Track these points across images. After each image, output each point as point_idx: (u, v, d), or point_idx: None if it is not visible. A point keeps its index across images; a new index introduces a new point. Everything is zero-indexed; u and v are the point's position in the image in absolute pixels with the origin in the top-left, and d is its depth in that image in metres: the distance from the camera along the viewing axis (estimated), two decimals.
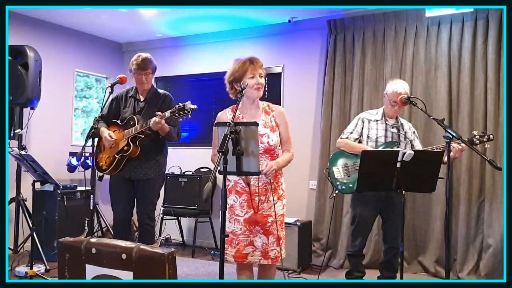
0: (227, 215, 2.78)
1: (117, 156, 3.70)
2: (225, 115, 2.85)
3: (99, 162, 3.83)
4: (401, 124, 3.88)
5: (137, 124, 3.64)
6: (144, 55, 3.83)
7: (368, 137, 3.80)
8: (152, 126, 3.49)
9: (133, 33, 6.20)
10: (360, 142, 3.83)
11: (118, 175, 3.78)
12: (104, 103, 3.69)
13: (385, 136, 3.79)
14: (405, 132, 3.85)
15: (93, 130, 3.44)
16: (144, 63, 3.75)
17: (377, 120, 3.83)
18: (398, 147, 3.72)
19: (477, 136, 3.62)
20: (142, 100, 3.83)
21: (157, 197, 3.91)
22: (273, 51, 5.72)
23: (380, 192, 3.61)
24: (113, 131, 3.78)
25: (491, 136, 3.64)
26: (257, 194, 2.73)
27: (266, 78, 2.92)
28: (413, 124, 4.16)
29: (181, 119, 3.51)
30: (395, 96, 3.72)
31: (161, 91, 3.89)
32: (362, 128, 3.84)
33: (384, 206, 3.77)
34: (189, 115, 3.44)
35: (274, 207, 2.74)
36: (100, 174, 3.91)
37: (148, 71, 3.76)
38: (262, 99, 2.90)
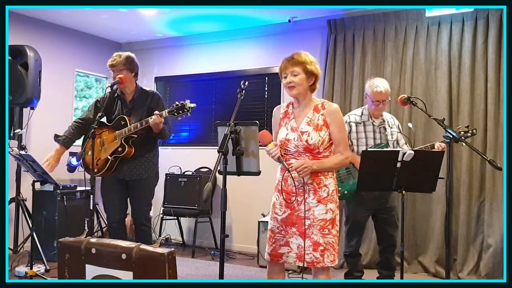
0: (269, 212, 2.77)
1: (110, 158, 3.65)
2: (278, 111, 2.83)
3: (88, 165, 3.71)
4: (387, 121, 3.85)
5: (130, 124, 3.60)
6: (118, 52, 3.78)
7: (357, 140, 3.78)
8: (152, 125, 3.47)
9: (133, 33, 6.20)
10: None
11: (111, 176, 3.73)
12: (103, 103, 3.69)
13: (374, 138, 3.76)
14: (391, 128, 3.83)
15: (92, 130, 3.43)
16: (113, 58, 3.70)
17: (364, 122, 3.80)
18: (387, 148, 3.71)
19: (462, 132, 3.61)
20: (129, 100, 3.76)
21: (152, 197, 3.86)
22: (273, 51, 5.72)
23: (373, 192, 3.61)
24: (102, 132, 3.73)
25: (474, 131, 3.67)
26: (294, 194, 2.65)
27: (284, 75, 2.72)
28: (413, 124, 4.15)
29: (179, 118, 3.49)
30: (377, 96, 3.70)
31: (148, 89, 3.84)
32: (350, 133, 3.78)
33: (378, 205, 3.77)
34: (189, 114, 3.42)
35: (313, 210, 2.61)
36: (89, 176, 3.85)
37: (117, 67, 3.67)
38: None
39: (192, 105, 3.41)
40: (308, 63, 2.72)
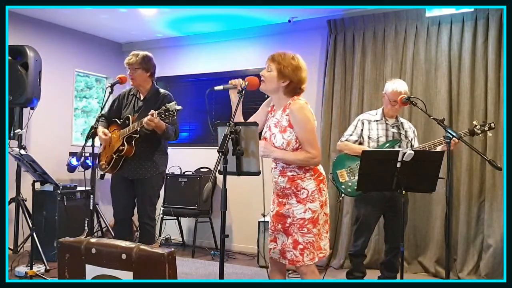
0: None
1: (114, 156, 3.70)
2: (268, 103, 2.84)
3: (101, 161, 3.85)
4: (401, 123, 3.89)
5: (131, 124, 3.63)
6: (136, 51, 3.81)
7: (369, 137, 3.81)
8: (146, 125, 3.47)
9: (133, 33, 6.20)
10: (360, 143, 3.83)
11: (118, 174, 3.79)
12: (103, 103, 3.69)
13: (386, 136, 3.79)
14: (406, 131, 3.85)
15: (92, 130, 3.44)
16: (130, 57, 3.74)
17: (377, 121, 3.84)
18: (399, 146, 3.72)
19: (478, 126, 3.61)
20: (142, 99, 3.83)
21: (157, 197, 3.90)
22: (273, 51, 5.58)
23: (383, 192, 3.61)
24: (113, 130, 3.79)
25: (492, 125, 3.64)
26: (279, 196, 2.72)
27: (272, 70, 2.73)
28: (413, 124, 4.16)
29: (167, 120, 3.47)
30: (396, 95, 3.72)
31: (162, 90, 3.87)
32: (362, 130, 3.84)
33: (387, 206, 3.77)
34: (174, 116, 3.42)
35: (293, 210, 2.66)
36: (101, 172, 3.93)
37: (133, 66, 3.72)
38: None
39: (178, 107, 3.39)
40: (284, 65, 2.68)
